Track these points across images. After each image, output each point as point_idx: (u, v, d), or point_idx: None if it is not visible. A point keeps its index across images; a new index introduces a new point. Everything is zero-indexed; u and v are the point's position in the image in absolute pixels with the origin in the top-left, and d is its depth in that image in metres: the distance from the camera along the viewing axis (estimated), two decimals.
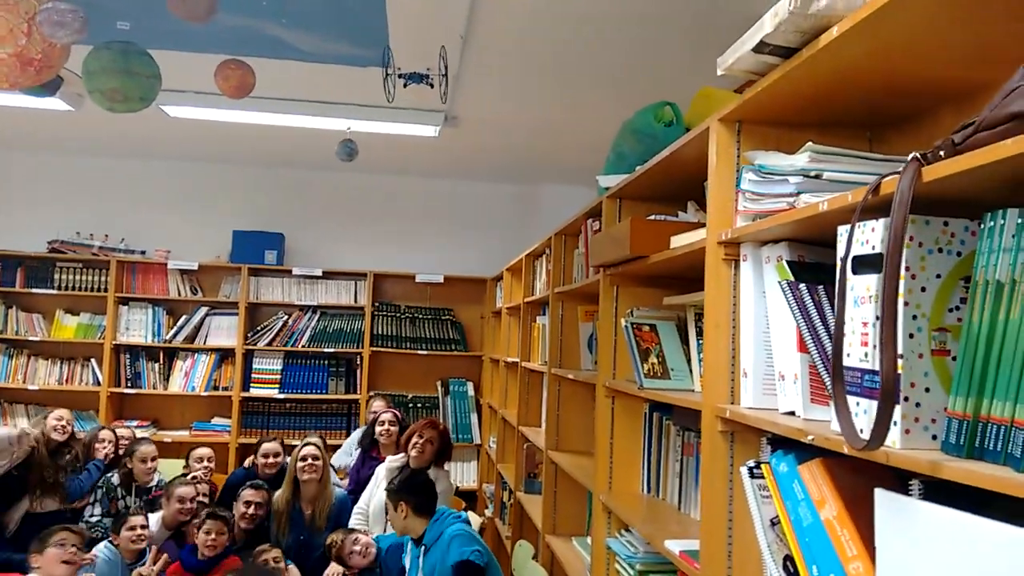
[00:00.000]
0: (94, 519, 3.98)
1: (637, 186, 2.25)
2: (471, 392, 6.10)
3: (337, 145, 3.67)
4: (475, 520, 4.45)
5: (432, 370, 6.13)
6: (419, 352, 6.00)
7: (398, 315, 6.05)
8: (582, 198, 2.86)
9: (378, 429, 4.43)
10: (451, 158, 5.51)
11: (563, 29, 3.18)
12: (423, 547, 3.15)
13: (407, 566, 3.26)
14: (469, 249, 6.20)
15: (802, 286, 1.33)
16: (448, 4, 2.94)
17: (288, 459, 4.20)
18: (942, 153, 0.94)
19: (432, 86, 3.29)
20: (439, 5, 2.97)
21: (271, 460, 4.33)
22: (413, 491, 3.28)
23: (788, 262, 1.43)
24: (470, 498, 5.55)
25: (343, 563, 3.52)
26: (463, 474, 5.99)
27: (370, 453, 4.50)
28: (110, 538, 3.51)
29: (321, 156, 5.10)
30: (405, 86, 3.36)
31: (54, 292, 5.63)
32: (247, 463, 4.53)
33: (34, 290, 5.62)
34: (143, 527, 3.49)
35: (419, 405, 5.97)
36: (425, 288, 6.16)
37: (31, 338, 5.63)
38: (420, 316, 6.09)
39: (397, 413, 4.60)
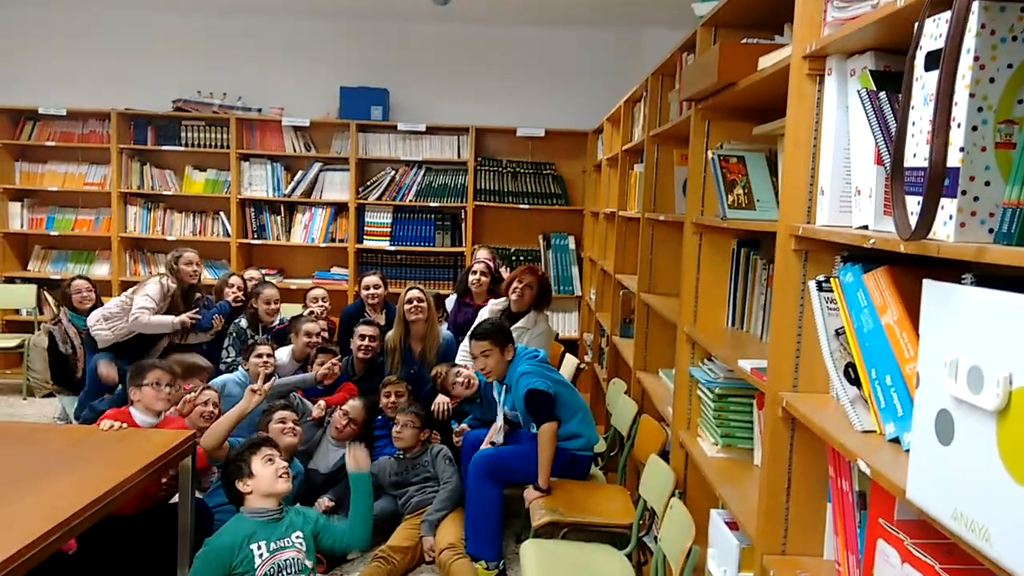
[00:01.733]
0: (229, 360, 4.45)
1: (732, 11, 2.17)
2: (572, 246, 6.21)
3: None
4: (572, 362, 4.68)
5: (534, 224, 6.26)
6: (521, 206, 6.11)
7: (500, 170, 6.13)
8: (673, 40, 2.75)
9: (471, 278, 4.67)
10: (551, 2, 5.33)
11: None
12: (504, 386, 3.40)
13: (498, 399, 3.53)
14: (571, 101, 6.12)
15: (882, 94, 1.30)
16: None
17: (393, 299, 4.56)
18: None
19: None
20: None
21: (373, 291, 4.71)
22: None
23: (872, 72, 1.38)
24: (571, 346, 5.78)
25: (447, 393, 3.83)
26: (565, 324, 6.21)
27: (463, 300, 4.77)
28: (242, 365, 3.95)
29: (419, 5, 5.07)
30: None
31: (182, 149, 6.03)
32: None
33: (164, 147, 6.05)
34: (269, 355, 3.91)
35: (522, 258, 6.14)
36: (526, 142, 6.18)
37: (165, 192, 6.11)
38: (522, 171, 6.15)
39: (489, 264, 4.80)
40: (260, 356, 3.86)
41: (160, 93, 6.02)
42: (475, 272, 4.67)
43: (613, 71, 6.00)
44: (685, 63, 2.73)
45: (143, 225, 6.17)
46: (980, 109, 0.98)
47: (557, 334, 5.68)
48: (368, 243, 6.14)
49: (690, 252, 2.51)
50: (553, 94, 6.16)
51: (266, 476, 2.63)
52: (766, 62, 1.76)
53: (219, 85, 6.06)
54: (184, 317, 4.41)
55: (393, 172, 6.14)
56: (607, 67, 6.07)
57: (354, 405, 3.73)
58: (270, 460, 2.66)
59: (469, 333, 3.64)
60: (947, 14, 1.03)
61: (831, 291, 1.45)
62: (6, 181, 6.06)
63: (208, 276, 5.66)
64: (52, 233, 6.13)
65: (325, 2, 5.60)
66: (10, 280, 6.06)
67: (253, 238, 6.14)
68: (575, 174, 6.24)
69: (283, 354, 4.26)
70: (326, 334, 4.45)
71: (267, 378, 3.65)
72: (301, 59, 6.17)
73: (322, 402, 3.86)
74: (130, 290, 4.54)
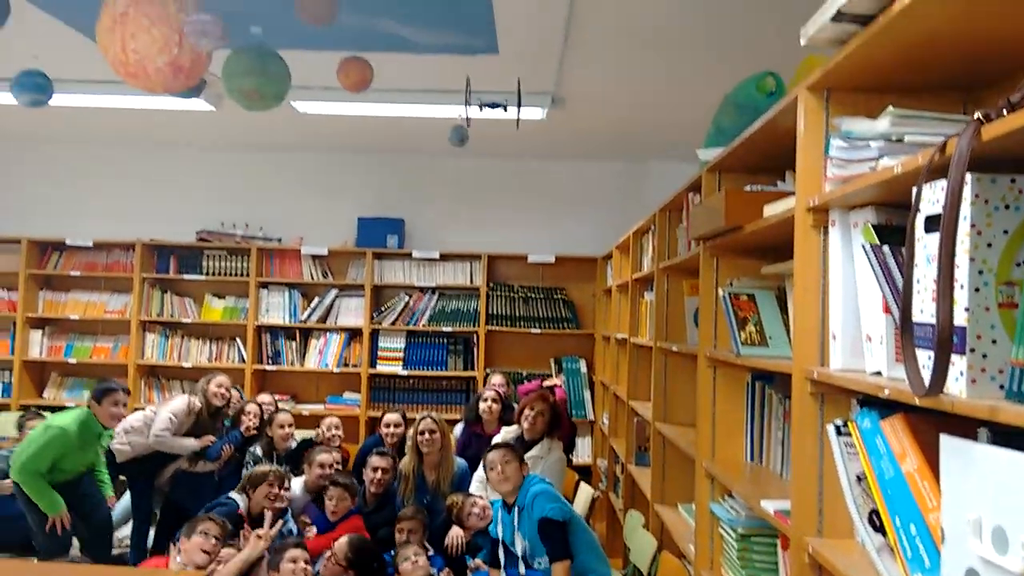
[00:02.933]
0: None
1: (735, 158, 2.29)
2: (584, 369, 6.22)
3: (450, 131, 3.88)
4: (587, 492, 4.59)
5: (545, 348, 6.30)
6: (532, 331, 6.17)
7: (512, 295, 6.24)
8: (691, 172, 2.90)
9: (481, 406, 4.65)
10: (560, 139, 5.62)
11: (665, 3, 3.21)
12: (516, 508, 3.34)
13: (499, 533, 3.45)
14: (580, 228, 6.31)
15: (885, 248, 1.36)
16: None
17: (409, 430, 4.53)
18: (1005, 112, 0.97)
19: (506, 109, 3.65)
20: None
21: (392, 430, 4.67)
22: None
23: (874, 225, 1.46)
24: (585, 473, 5.68)
25: (461, 524, 3.75)
26: (578, 449, 6.12)
27: (473, 428, 4.72)
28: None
29: (436, 142, 5.34)
30: (480, 109, 3.64)
31: (203, 278, 6.20)
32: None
33: (185, 276, 6.21)
34: (286, 489, 3.86)
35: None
36: (537, 268, 6.33)
37: (184, 320, 6.23)
38: (533, 295, 6.26)
39: (499, 391, 4.79)
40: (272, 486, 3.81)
41: (185, 224, 6.26)
42: (486, 399, 4.64)
43: (621, 199, 6.22)
44: (691, 202, 2.85)
45: (160, 352, 6.24)
46: (980, 272, 1.03)
47: (570, 460, 5.60)
48: (381, 368, 6.18)
49: (705, 385, 2.53)
50: (562, 222, 6.36)
51: None
52: (771, 211, 1.85)
53: (242, 216, 6.29)
54: (205, 441, 4.42)
55: (407, 298, 6.26)
56: (615, 196, 6.30)
57: (339, 544, 3.56)
58: None
59: (487, 450, 3.61)
60: (943, 182, 1.11)
61: (850, 435, 1.47)
62: (29, 310, 6.19)
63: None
64: (70, 361, 6.20)
65: (344, 138, 5.91)
66: (24, 407, 6.07)
67: (268, 364, 6.19)
68: (585, 298, 6.34)
69: (296, 485, 4.21)
70: (340, 466, 4.40)
71: (275, 519, 3.60)
72: (321, 191, 6.44)
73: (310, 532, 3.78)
74: (155, 404, 4.57)
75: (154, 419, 4.37)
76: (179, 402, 4.46)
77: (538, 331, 6.18)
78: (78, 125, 5.75)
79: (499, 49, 3.73)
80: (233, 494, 3.82)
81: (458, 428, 5.02)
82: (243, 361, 6.15)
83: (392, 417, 4.75)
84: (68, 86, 4.32)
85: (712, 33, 3.51)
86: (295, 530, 3.86)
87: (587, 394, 6.15)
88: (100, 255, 6.31)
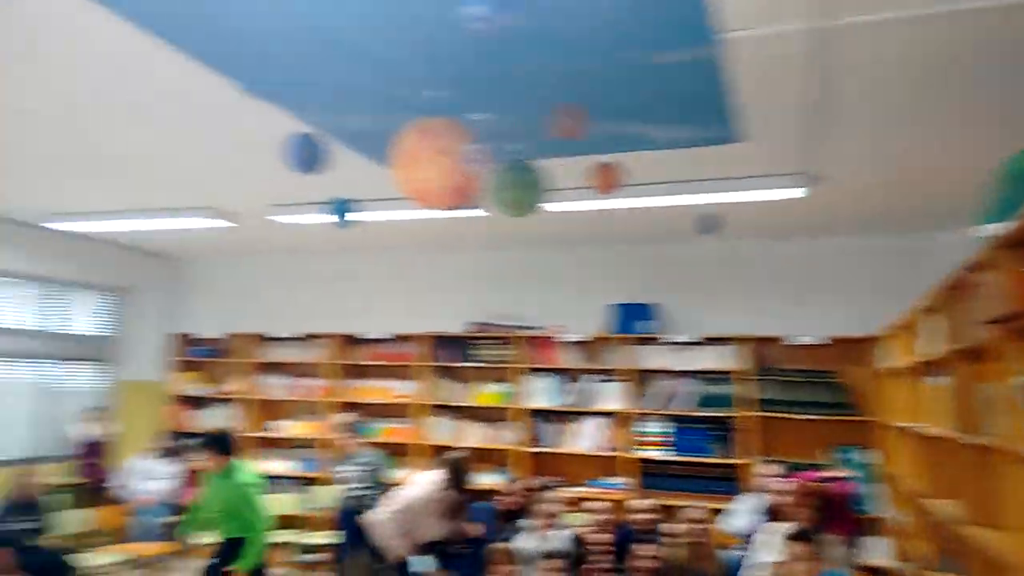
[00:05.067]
0: None
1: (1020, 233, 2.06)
2: (867, 460, 5.65)
3: (693, 221, 3.89)
4: None
5: (820, 435, 5.85)
6: (802, 416, 5.78)
7: (780, 378, 5.93)
8: (970, 245, 2.63)
9: (775, 499, 4.41)
10: (820, 217, 5.37)
11: (921, 70, 3.00)
12: None
13: None
14: (845, 308, 5.92)
15: None
16: (798, 75, 3.01)
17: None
18: None
19: None
20: (789, 78, 3.05)
21: (641, 516, 4.63)
22: None
23: None
24: None
25: None
26: (869, 549, 5.51)
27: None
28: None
29: (686, 229, 5.36)
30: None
31: (476, 365, 6.73)
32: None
33: (461, 364, 6.79)
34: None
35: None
36: (802, 350, 5.98)
37: (461, 404, 6.76)
38: (800, 379, 5.89)
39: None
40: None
41: (456, 317, 6.93)
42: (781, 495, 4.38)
43: (893, 275, 5.77)
44: (977, 282, 2.58)
45: (445, 433, 6.78)
46: None
47: (858, 562, 5.06)
48: (641, 452, 6.15)
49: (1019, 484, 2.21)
50: (826, 301, 6.00)
51: None
52: None
53: (508, 308, 6.78)
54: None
55: (666, 383, 6.22)
56: (886, 272, 5.85)
57: None
58: None
59: (788, 534, 3.46)
60: None
61: None
62: (340, 396, 7.13)
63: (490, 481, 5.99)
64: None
65: (593, 232, 6.15)
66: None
67: (535, 446, 6.46)
68: (861, 381, 5.81)
69: None
70: (613, 549, 4.45)
71: None
72: (578, 281, 6.74)
73: None
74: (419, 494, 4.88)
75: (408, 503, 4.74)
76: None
77: (809, 417, 5.77)
78: (372, 236, 6.62)
79: (752, 135, 3.71)
80: None
81: (729, 521, 4.81)
82: (515, 443, 6.48)
83: (643, 504, 4.76)
84: (364, 205, 5.04)
85: (968, 98, 3.21)
86: None
87: (874, 487, 5.56)
88: (391, 347, 7.13)
